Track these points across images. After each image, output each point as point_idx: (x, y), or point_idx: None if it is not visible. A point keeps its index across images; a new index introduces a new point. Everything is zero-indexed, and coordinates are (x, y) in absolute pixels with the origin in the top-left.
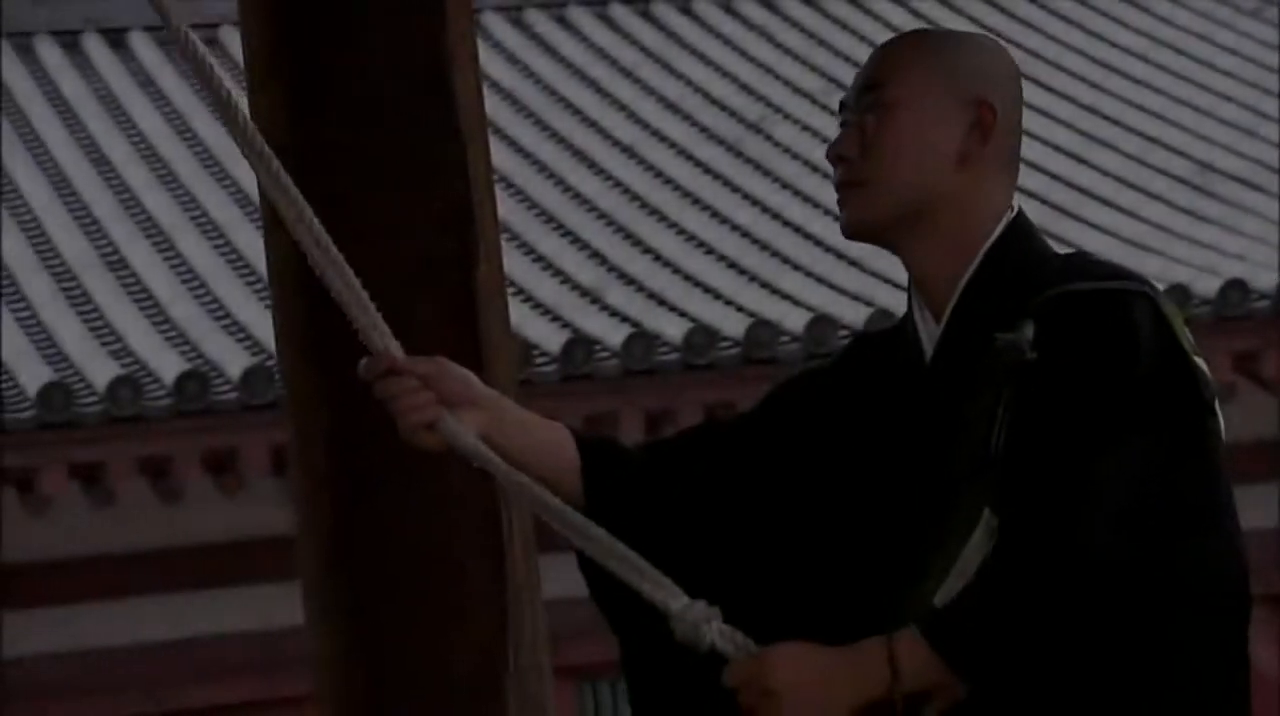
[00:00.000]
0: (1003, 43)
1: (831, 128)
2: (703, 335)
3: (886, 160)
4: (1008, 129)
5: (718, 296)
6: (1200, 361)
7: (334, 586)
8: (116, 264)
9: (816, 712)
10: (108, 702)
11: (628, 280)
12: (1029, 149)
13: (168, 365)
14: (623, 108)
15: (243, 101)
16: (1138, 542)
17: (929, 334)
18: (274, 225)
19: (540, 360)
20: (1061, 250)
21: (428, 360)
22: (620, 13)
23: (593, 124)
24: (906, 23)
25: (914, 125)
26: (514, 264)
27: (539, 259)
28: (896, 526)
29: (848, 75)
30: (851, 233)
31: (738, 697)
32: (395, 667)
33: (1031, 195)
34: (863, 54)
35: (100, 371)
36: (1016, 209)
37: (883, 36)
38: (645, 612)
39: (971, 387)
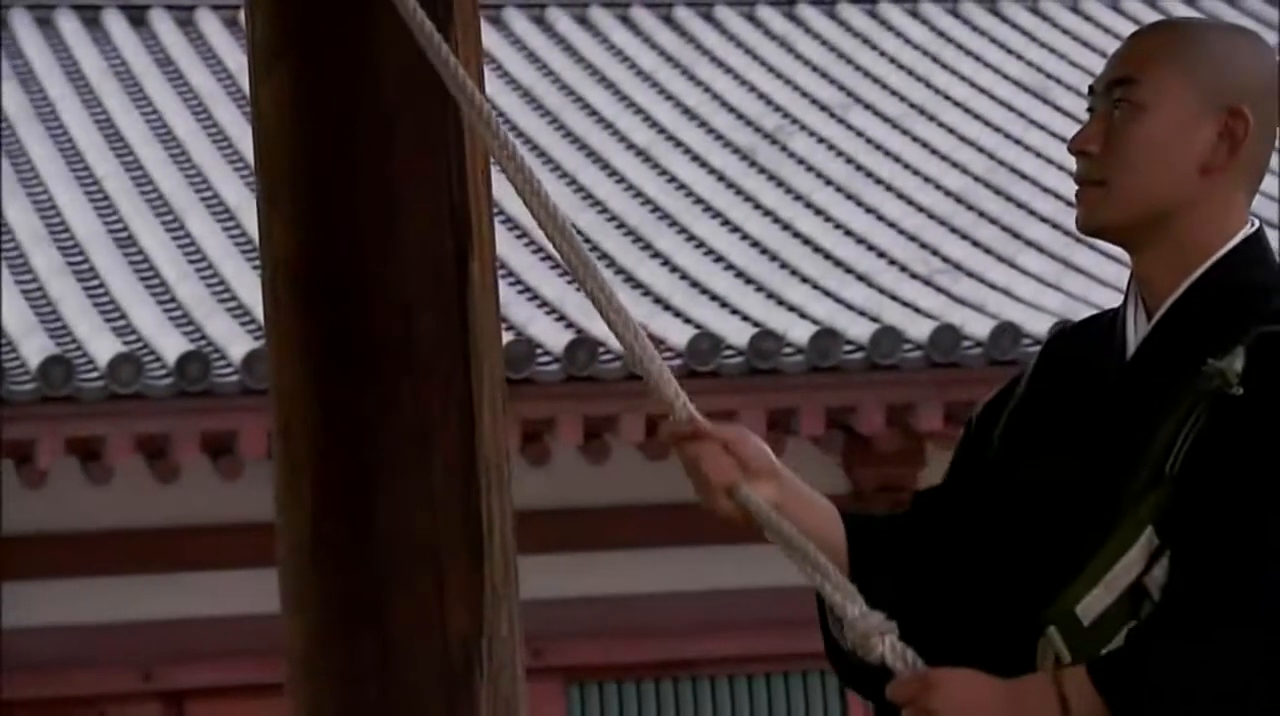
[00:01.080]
0: (1254, 33)
1: (848, 141)
2: (707, 342)
3: (1129, 163)
4: (1260, 139)
5: (724, 304)
6: None
7: (308, 576)
8: (125, 241)
9: None
10: (98, 678)
11: (634, 283)
12: (1044, 173)
13: (170, 344)
14: (639, 110)
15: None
16: None
17: (1137, 332)
18: (271, 212)
19: (543, 359)
20: None
21: (730, 427)
22: (642, 15)
23: (608, 125)
24: (927, 40)
25: (1162, 130)
26: (522, 262)
27: (547, 258)
28: (1059, 521)
29: (866, 89)
30: (1086, 229)
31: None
32: (367, 662)
33: (1045, 220)
34: (884, 69)
35: (103, 347)
36: (1255, 226)
37: (904, 53)
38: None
39: (1165, 399)
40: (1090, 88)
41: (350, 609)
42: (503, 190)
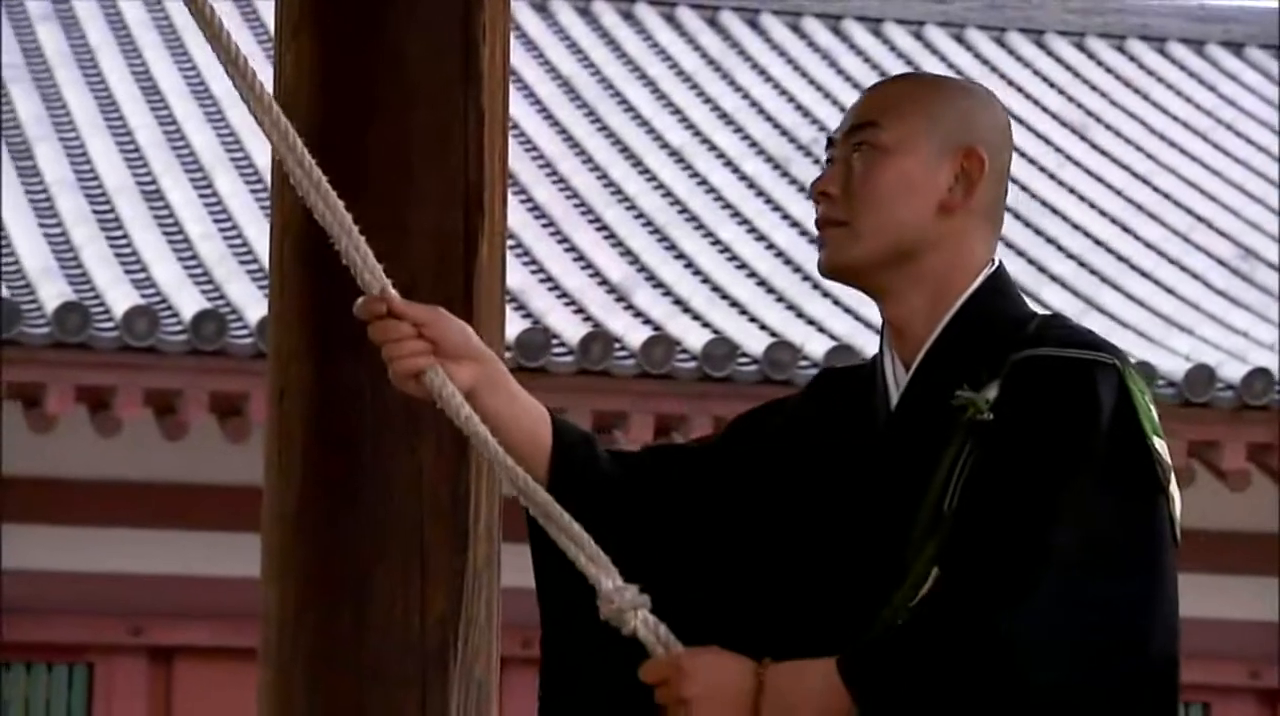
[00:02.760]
0: (984, 86)
1: None
2: (723, 347)
3: (870, 203)
4: (994, 180)
5: (743, 311)
6: (1159, 441)
7: (291, 547)
8: (152, 194)
9: None
10: (88, 628)
11: (656, 283)
12: (1076, 210)
13: (188, 301)
14: (676, 110)
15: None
16: (1067, 619)
17: (897, 381)
18: (282, 179)
19: (558, 351)
20: (1042, 311)
21: (426, 308)
22: (687, 16)
23: (644, 123)
24: (970, 66)
25: (900, 170)
26: (546, 252)
27: (571, 249)
28: (846, 575)
29: None
30: (828, 271)
31: (655, 697)
32: (342, 636)
33: (1071, 257)
34: None
35: (120, 298)
36: (997, 263)
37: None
38: (579, 596)
39: (932, 442)
40: (829, 139)
41: (330, 582)
42: (532, 178)
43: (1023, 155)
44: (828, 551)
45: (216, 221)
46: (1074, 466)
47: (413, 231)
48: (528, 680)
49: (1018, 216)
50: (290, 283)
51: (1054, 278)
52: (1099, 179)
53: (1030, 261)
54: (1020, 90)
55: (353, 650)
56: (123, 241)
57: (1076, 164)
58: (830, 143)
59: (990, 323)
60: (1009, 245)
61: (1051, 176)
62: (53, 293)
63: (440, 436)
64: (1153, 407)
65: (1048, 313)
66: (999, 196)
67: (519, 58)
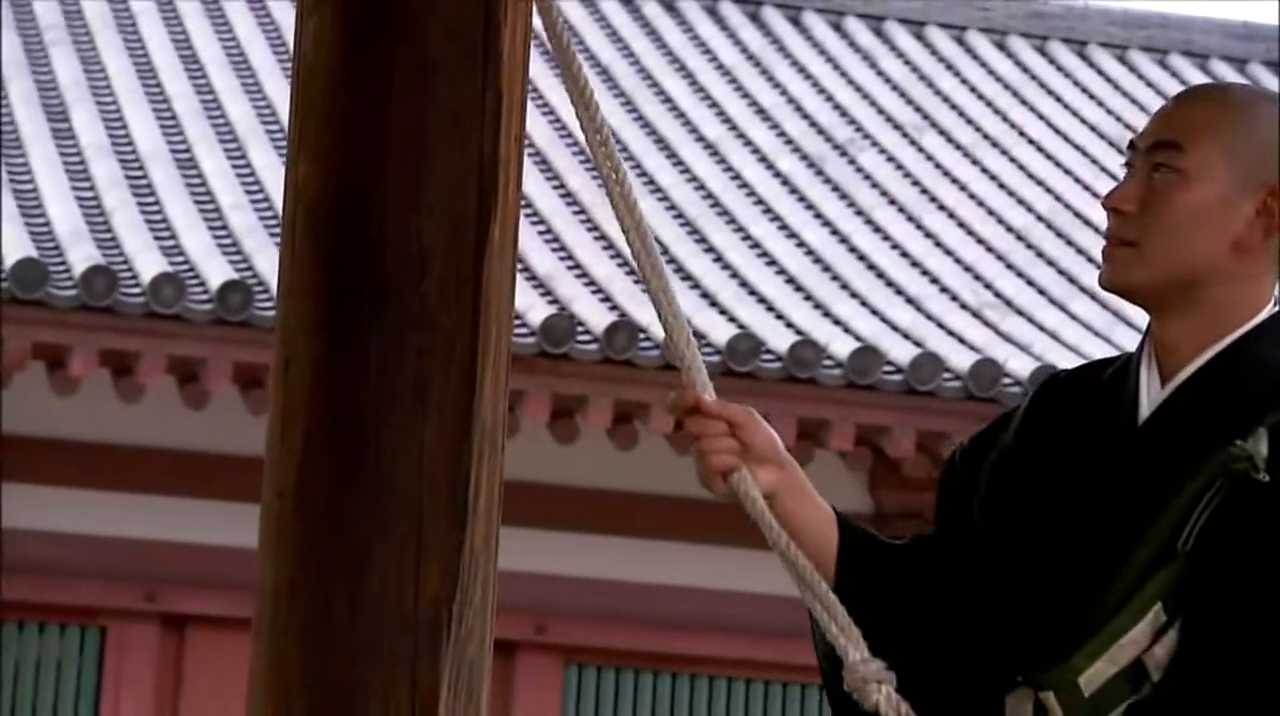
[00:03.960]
0: None
1: (917, 164)
2: (747, 342)
3: (1165, 228)
4: None
5: (770, 308)
6: None
7: (289, 519)
8: (186, 163)
9: None
10: (102, 591)
11: (684, 275)
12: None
13: (215, 271)
14: (714, 104)
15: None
16: None
17: (1151, 394)
18: (300, 148)
19: (582, 338)
20: None
21: (741, 409)
22: (729, 10)
23: (681, 115)
24: (1011, 74)
25: (1199, 202)
26: (576, 239)
27: (601, 237)
28: (1058, 582)
29: (943, 115)
30: (1110, 286)
31: None
32: (336, 611)
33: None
34: (963, 97)
35: (148, 265)
36: (1278, 306)
37: (986, 84)
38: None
39: (1178, 471)
40: (1131, 143)
41: (326, 556)
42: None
43: (1058, 165)
44: (1052, 544)
45: (248, 192)
46: None
47: (425, 209)
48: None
49: (1050, 226)
50: (301, 254)
51: (1083, 289)
52: None
53: (1061, 272)
54: (1059, 100)
55: (346, 624)
56: (154, 208)
57: (1112, 176)
58: (1132, 148)
59: (1262, 365)
60: (1040, 254)
61: (1087, 188)
62: (81, 256)
63: (443, 416)
64: None
65: None
66: None
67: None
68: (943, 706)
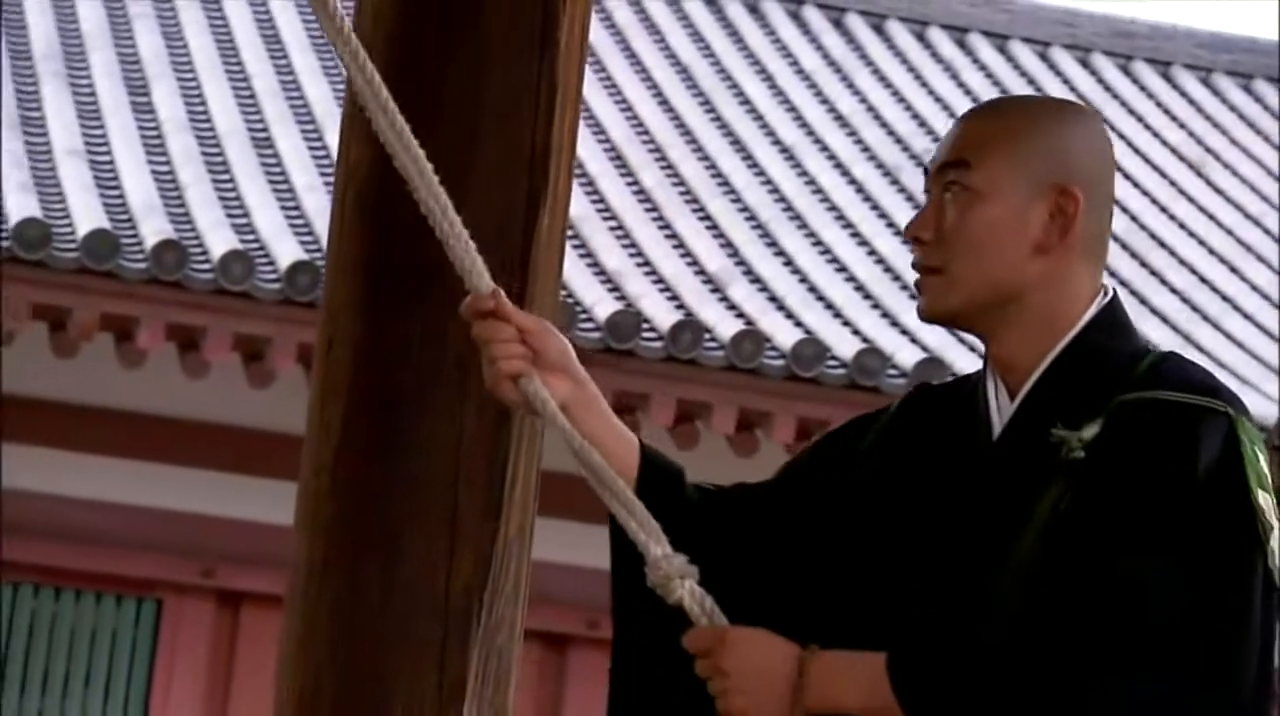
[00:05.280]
0: (1086, 106)
1: None
2: (812, 348)
3: (963, 249)
4: (1093, 213)
5: (837, 314)
6: (1266, 496)
7: (325, 498)
8: (262, 142)
9: (767, 701)
10: (164, 565)
11: (753, 277)
12: (1184, 245)
13: (285, 251)
14: (792, 108)
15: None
16: (1141, 647)
17: (1000, 411)
18: (352, 127)
19: (648, 335)
20: (1158, 348)
21: (533, 317)
22: (813, 15)
23: (759, 117)
24: (1093, 91)
25: (993, 217)
26: (647, 237)
27: (672, 236)
28: (925, 597)
29: None
30: (930, 317)
31: (695, 666)
32: (368, 592)
33: (1175, 292)
34: None
35: (219, 241)
36: (1110, 293)
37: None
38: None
39: (1034, 479)
40: (924, 168)
41: (360, 537)
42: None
43: (1136, 186)
44: (908, 570)
45: (322, 174)
46: (1166, 514)
47: (475, 195)
48: (595, 662)
49: (1125, 246)
50: (349, 235)
51: (1154, 311)
52: (1210, 217)
53: (1133, 293)
54: (1141, 120)
55: (377, 606)
56: (228, 185)
57: (1190, 200)
58: (926, 173)
59: (1101, 358)
60: (1113, 274)
61: (1163, 209)
62: (153, 229)
63: (483, 403)
64: (1263, 460)
65: (1165, 350)
66: (1101, 228)
67: (640, 42)
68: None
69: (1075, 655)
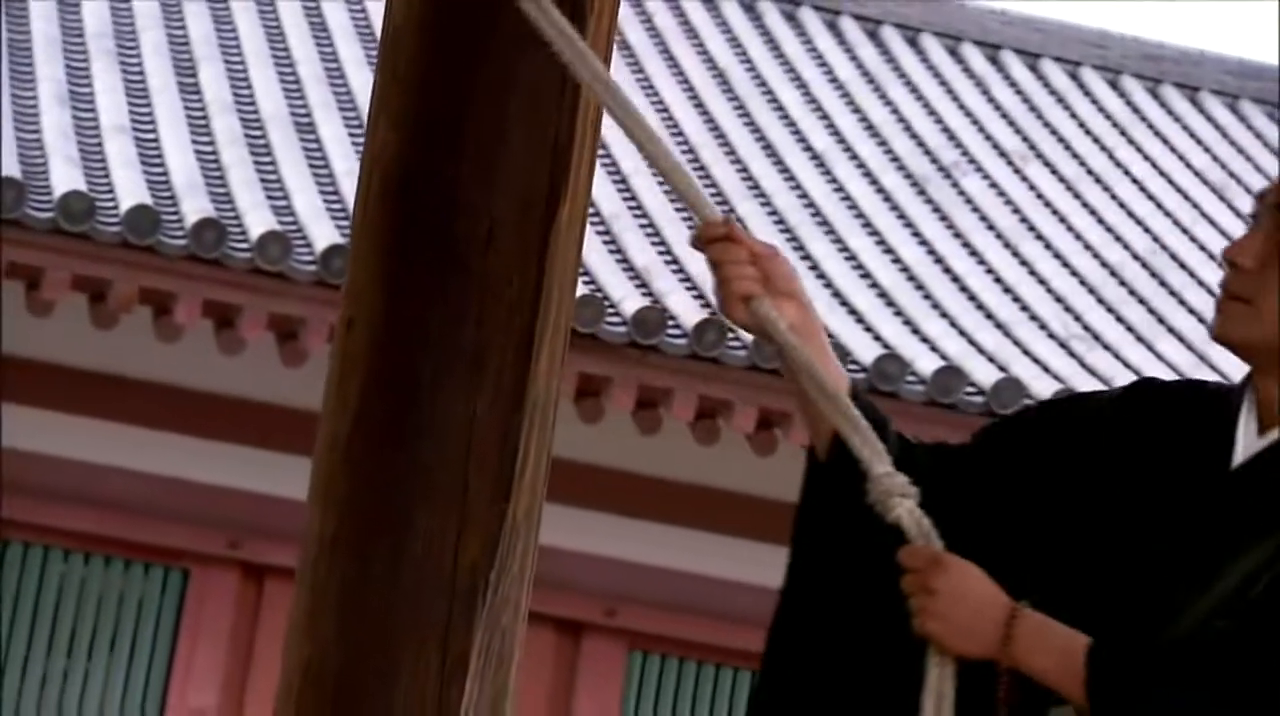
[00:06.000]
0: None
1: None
2: (834, 350)
3: (1275, 289)
4: None
5: (860, 320)
6: None
7: (339, 473)
8: (305, 126)
9: (965, 632)
10: (192, 535)
11: None
12: (1203, 267)
13: (322, 234)
14: (825, 116)
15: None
16: None
17: (1247, 442)
18: (380, 111)
19: (673, 332)
20: None
21: (762, 242)
22: (849, 26)
23: (791, 123)
24: (1121, 112)
25: None
26: (676, 236)
27: None
28: (1122, 606)
29: (1050, 147)
30: (1219, 339)
31: (903, 580)
32: (377, 568)
33: (1193, 312)
34: (1070, 131)
35: (258, 222)
36: None
37: (1095, 120)
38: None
39: (1262, 520)
40: (1259, 195)
41: (371, 513)
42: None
43: (1160, 207)
44: (1117, 563)
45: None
46: None
47: (499, 184)
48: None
49: (1145, 265)
50: (373, 217)
51: (1171, 329)
52: (1231, 239)
53: (1151, 311)
54: (1167, 143)
55: (385, 582)
56: (269, 168)
57: (1211, 222)
58: (1260, 199)
59: None
60: (1131, 292)
61: (1185, 231)
62: (194, 208)
63: (498, 388)
64: None
65: None
66: None
67: (679, 45)
68: None
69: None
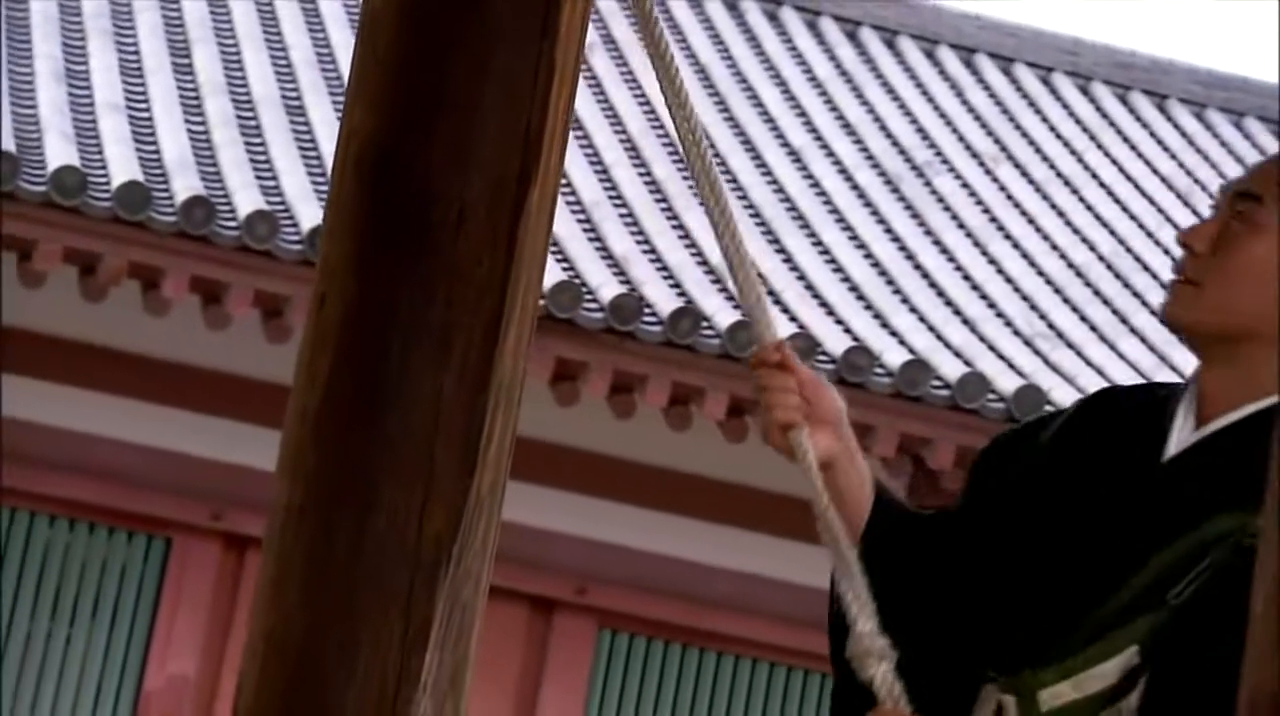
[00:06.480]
0: None
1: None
2: (804, 342)
3: (1225, 275)
4: None
5: (830, 312)
6: None
7: (307, 446)
8: (295, 109)
9: None
10: (175, 505)
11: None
12: (1166, 269)
13: (309, 214)
14: (802, 113)
15: None
16: None
17: (1181, 435)
18: (357, 92)
19: (648, 319)
20: None
21: (810, 372)
22: (829, 27)
23: (770, 120)
24: (1092, 118)
25: (1261, 254)
26: (655, 227)
27: (680, 226)
28: (1055, 598)
29: (1021, 149)
30: (1168, 321)
31: None
32: (341, 539)
33: (1154, 313)
34: (1041, 134)
35: (246, 201)
36: None
37: (1066, 125)
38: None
39: (1189, 519)
40: (1221, 188)
41: (338, 485)
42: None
43: (1125, 210)
44: (1054, 553)
45: None
46: None
47: (471, 167)
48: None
49: (1110, 267)
50: (347, 196)
51: (1134, 329)
52: None
53: (1115, 311)
54: (1135, 149)
55: (350, 553)
56: (259, 149)
57: (1175, 227)
58: (1222, 192)
59: None
60: (1096, 293)
61: (1149, 235)
62: (184, 185)
63: (465, 367)
64: None
65: None
66: None
67: None
68: (927, 687)
69: None
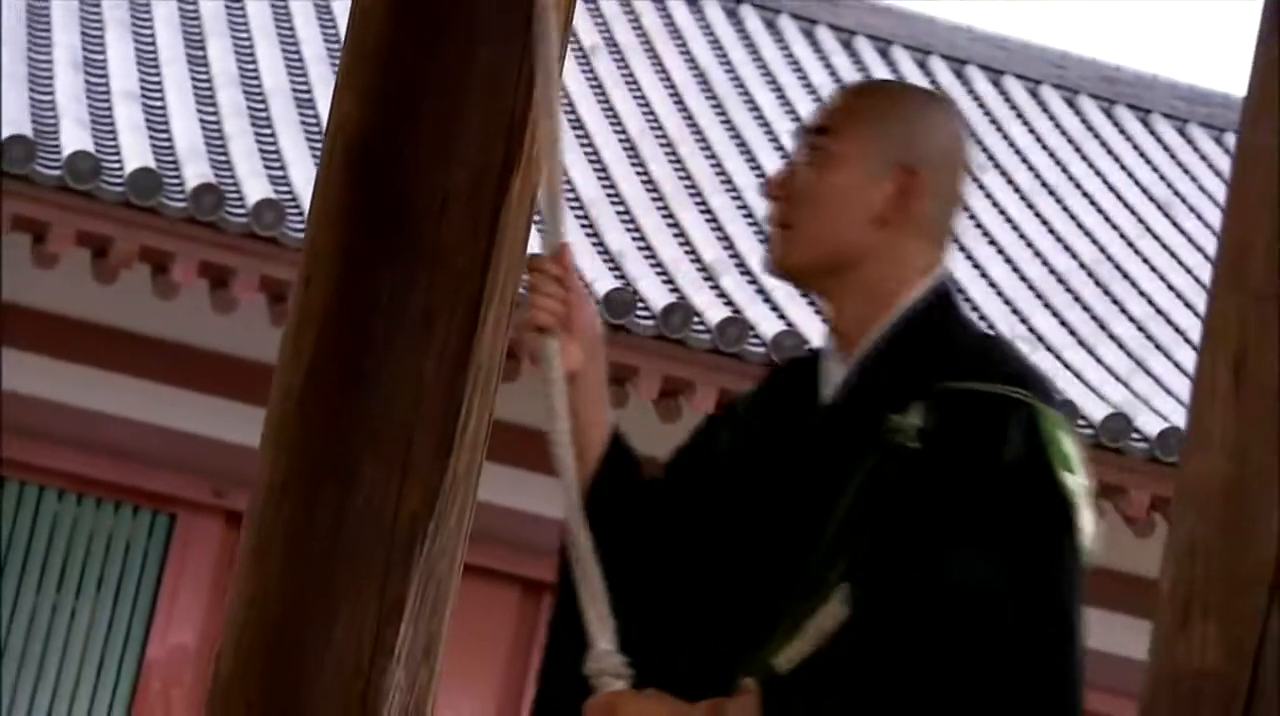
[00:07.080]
0: (949, 102)
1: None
2: (792, 339)
3: (809, 209)
4: (935, 195)
5: (818, 311)
6: (1072, 478)
7: (290, 423)
8: (305, 102)
9: None
10: (180, 482)
11: (744, 269)
12: (1146, 278)
13: None
14: (797, 119)
15: None
16: (972, 645)
17: (831, 378)
18: (346, 83)
19: (641, 313)
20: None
21: (583, 292)
22: (825, 35)
23: (766, 124)
24: (1077, 130)
25: (843, 183)
26: (651, 224)
27: (674, 224)
28: (757, 574)
29: (1007, 157)
30: (773, 270)
31: None
32: (321, 515)
33: (1133, 320)
34: (1027, 144)
35: (255, 189)
36: (942, 280)
37: (1052, 136)
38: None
39: (854, 452)
40: (799, 130)
41: (319, 462)
42: (651, 153)
43: (1107, 219)
44: (743, 547)
45: None
46: (979, 505)
47: (455, 158)
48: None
49: (1090, 274)
50: (334, 183)
51: (1112, 336)
52: (1173, 254)
53: (1094, 317)
54: (1118, 160)
55: (329, 528)
56: (268, 139)
57: (1155, 237)
58: (800, 135)
59: (928, 340)
60: (1076, 299)
61: (1130, 244)
62: (195, 173)
63: (445, 350)
64: (1067, 444)
65: (992, 336)
66: (944, 215)
67: (664, 44)
68: (670, 671)
69: (903, 651)
